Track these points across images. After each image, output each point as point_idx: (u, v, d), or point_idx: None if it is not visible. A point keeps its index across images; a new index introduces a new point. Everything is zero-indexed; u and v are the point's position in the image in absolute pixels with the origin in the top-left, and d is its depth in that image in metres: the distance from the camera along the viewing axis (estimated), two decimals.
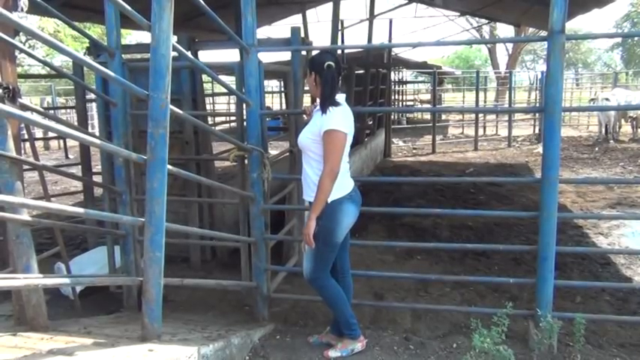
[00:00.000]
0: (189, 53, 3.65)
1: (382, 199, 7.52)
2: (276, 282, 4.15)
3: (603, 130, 14.19)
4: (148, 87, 2.37)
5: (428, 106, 19.70)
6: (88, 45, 5.20)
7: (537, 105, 16.24)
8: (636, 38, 38.48)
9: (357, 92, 9.42)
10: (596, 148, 13.01)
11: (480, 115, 15.65)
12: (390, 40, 12.35)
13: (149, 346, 2.38)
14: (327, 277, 3.04)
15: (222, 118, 15.51)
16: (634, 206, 7.42)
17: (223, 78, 20.54)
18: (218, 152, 6.21)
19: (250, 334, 3.21)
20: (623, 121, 14.77)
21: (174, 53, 2.47)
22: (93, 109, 13.71)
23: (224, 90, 4.96)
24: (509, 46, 31.67)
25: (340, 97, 2.91)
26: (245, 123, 3.62)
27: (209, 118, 10.25)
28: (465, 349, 3.10)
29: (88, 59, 2.38)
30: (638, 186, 8.37)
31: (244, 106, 3.62)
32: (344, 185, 2.91)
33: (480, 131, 15.49)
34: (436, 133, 14.07)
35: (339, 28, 9.61)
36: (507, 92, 16.85)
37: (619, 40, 41.48)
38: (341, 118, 2.82)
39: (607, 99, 13.10)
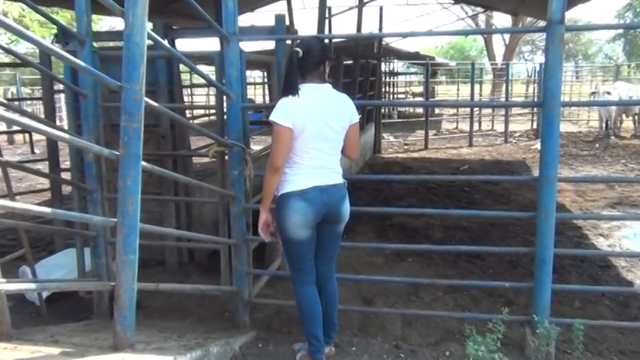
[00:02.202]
0: (165, 42, 3.63)
1: (371, 198, 7.53)
2: (258, 286, 4.15)
3: (604, 125, 14.37)
4: (120, 77, 2.35)
5: (420, 99, 19.81)
6: (56, 32, 5.15)
7: (535, 99, 16.37)
8: (639, 29, 38.99)
9: (345, 84, 9.43)
10: (597, 145, 13.17)
11: (475, 109, 15.77)
12: (380, 29, 12.38)
13: (121, 355, 2.36)
14: (300, 281, 3.08)
15: (201, 112, 15.42)
16: (636, 206, 7.52)
17: (202, 68, 20.47)
18: (196, 148, 6.19)
19: (230, 342, 3.20)
20: (624, 116, 14.94)
21: (150, 41, 2.45)
22: (61, 100, 13.59)
23: (203, 81, 4.93)
24: (507, 36, 31.92)
25: (313, 87, 2.89)
26: (225, 116, 3.61)
27: (187, 111, 10.20)
28: (459, 358, 3.12)
29: (56, 47, 2.36)
30: None
31: (224, 98, 3.61)
32: (295, 181, 2.91)
33: (475, 126, 15.60)
34: (429, 127, 14.12)
35: (327, 15, 9.59)
36: (504, 85, 16.99)
37: (621, 31, 41.92)
38: (282, 109, 2.83)
39: (608, 93, 13.23)
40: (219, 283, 4.03)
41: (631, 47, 42.39)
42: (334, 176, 2.99)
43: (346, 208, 3.04)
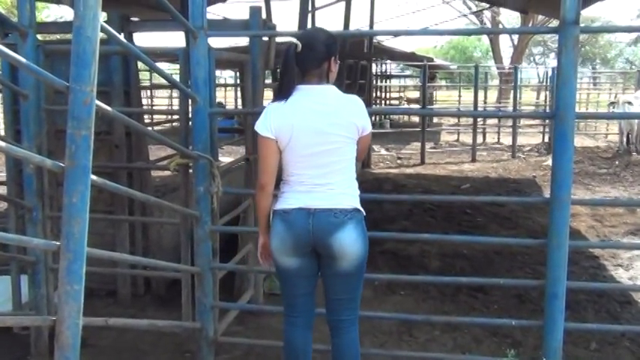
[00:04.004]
0: (121, 36, 3.63)
1: None
2: (225, 322, 4.12)
3: (625, 140, 14.55)
4: (68, 76, 2.34)
5: (416, 106, 19.97)
6: None
7: (547, 108, 16.61)
8: None
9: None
10: (617, 162, 13.35)
11: (479, 119, 15.92)
12: (371, 26, 12.50)
13: None
14: (289, 321, 3.05)
15: (164, 117, 15.39)
16: None
17: (165, 67, 20.46)
18: (156, 159, 6.15)
19: None
20: None
21: (103, 35, 2.45)
22: None
23: (165, 82, 4.93)
24: (515, 36, 32.42)
25: (308, 89, 2.84)
26: (190, 123, 3.60)
27: (146, 117, 10.16)
28: None
29: None
30: None
31: (190, 102, 3.61)
32: (283, 199, 2.91)
33: (479, 139, 15.75)
34: (426, 139, 14.23)
35: (310, 8, 9.67)
36: (512, 92, 17.20)
37: None
38: (264, 117, 2.84)
39: (629, 103, 13.39)
40: (180, 319, 4.00)
41: None
42: (332, 198, 2.83)
43: (344, 239, 2.80)
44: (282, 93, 2.84)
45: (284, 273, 2.96)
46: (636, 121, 13.85)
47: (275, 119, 2.80)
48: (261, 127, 2.82)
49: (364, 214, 2.93)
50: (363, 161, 12.73)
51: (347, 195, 2.87)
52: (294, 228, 2.82)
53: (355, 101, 2.92)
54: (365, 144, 3.01)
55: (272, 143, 2.81)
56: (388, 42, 19.09)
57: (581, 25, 3.05)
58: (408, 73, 31.87)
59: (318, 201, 2.82)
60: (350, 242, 2.82)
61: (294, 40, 2.83)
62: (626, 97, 14.45)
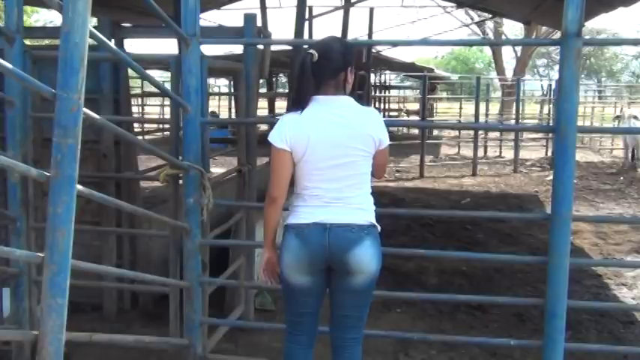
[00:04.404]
0: (112, 42, 3.65)
1: None
2: (214, 339, 4.11)
3: (630, 155, 14.60)
4: (55, 83, 2.35)
5: (416, 118, 20.03)
6: None
7: (551, 122, 16.67)
8: None
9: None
10: (621, 178, 13.40)
11: (480, 132, 15.97)
12: (370, 35, 12.55)
13: None
14: (290, 339, 3.04)
15: (154, 126, 15.40)
16: None
17: (157, 74, 20.49)
18: (145, 169, 6.16)
19: None
20: None
21: (93, 41, 2.46)
22: None
23: (157, 90, 4.94)
24: (518, 47, 32.58)
25: (325, 100, 2.84)
26: (181, 133, 3.61)
27: (136, 125, 10.17)
28: None
29: None
30: None
31: (181, 111, 3.62)
32: (297, 213, 2.89)
33: (480, 152, 15.80)
34: (425, 152, 14.29)
35: (307, 16, 9.71)
36: (514, 104, 17.27)
37: None
38: (278, 128, 2.83)
39: (635, 117, 13.48)
40: (168, 335, 3.98)
41: None
42: (348, 213, 2.84)
43: (361, 256, 2.81)
44: (298, 103, 2.83)
45: (293, 291, 2.94)
46: None
47: (290, 130, 2.79)
48: (276, 138, 2.80)
49: (379, 229, 2.94)
50: None
51: (363, 210, 2.88)
52: (310, 244, 2.80)
53: (373, 113, 2.94)
54: (382, 159, 3.00)
55: (287, 155, 2.80)
56: (387, 52, 19.20)
57: (586, 37, 3.08)
58: (407, 83, 32.00)
59: (334, 216, 2.82)
60: (367, 259, 2.83)
61: (310, 50, 2.83)
62: (632, 111, 14.52)
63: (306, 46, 2.97)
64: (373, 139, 2.84)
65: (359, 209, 2.86)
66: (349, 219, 2.82)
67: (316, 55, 2.80)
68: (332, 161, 2.79)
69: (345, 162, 2.81)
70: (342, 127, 2.79)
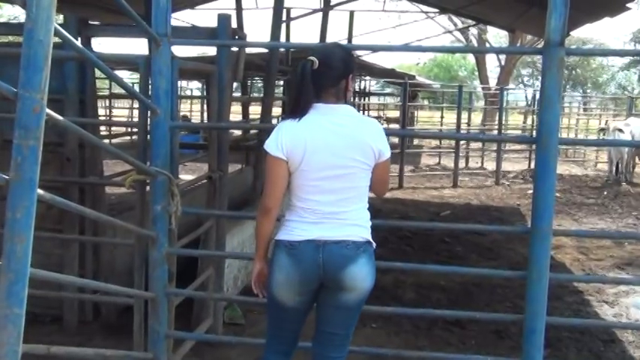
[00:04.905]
0: (78, 40, 3.64)
1: None
2: (180, 353, 4.10)
3: (614, 169, 14.77)
4: (17, 82, 2.34)
5: (396, 126, 20.10)
6: None
7: (534, 132, 16.82)
8: None
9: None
10: (605, 192, 13.59)
11: (462, 142, 16.10)
12: (349, 39, 12.61)
13: None
14: (271, 349, 3.06)
15: (122, 129, 15.29)
16: None
17: (125, 75, 20.34)
18: (111, 174, 6.11)
19: None
20: (638, 158, 15.44)
21: (58, 39, 2.45)
22: None
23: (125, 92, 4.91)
24: (502, 56, 32.94)
25: (324, 108, 2.83)
26: (149, 137, 3.60)
27: (103, 128, 10.10)
28: None
29: None
30: None
31: (149, 114, 3.61)
32: (288, 228, 2.87)
33: (461, 163, 15.95)
34: (405, 162, 14.39)
35: (284, 18, 9.74)
36: (497, 114, 17.44)
37: (638, 57, 43.42)
38: (275, 135, 2.81)
39: (620, 130, 13.63)
40: (131, 348, 3.96)
41: None
42: (345, 229, 2.84)
43: (356, 273, 2.81)
44: (297, 111, 2.81)
45: (279, 309, 2.94)
46: (626, 149, 14.06)
47: (288, 138, 2.78)
48: (272, 146, 2.78)
49: (374, 246, 2.95)
50: None
51: (359, 226, 2.88)
52: (303, 263, 2.79)
53: (374, 123, 2.96)
54: (383, 173, 2.99)
55: (283, 164, 2.78)
56: (368, 57, 19.27)
57: (572, 46, 3.13)
58: (388, 90, 32.15)
59: (328, 232, 2.81)
60: (362, 276, 2.83)
61: (310, 57, 2.82)
62: (617, 124, 14.68)
63: (282, 50, 2.98)
64: (373, 150, 2.83)
65: (354, 225, 2.86)
66: (344, 235, 2.82)
67: (317, 61, 2.79)
68: (329, 172, 2.79)
69: (343, 173, 2.80)
70: (341, 136, 2.79)
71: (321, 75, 2.80)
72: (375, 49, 5.37)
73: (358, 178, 2.85)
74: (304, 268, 2.79)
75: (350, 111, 2.90)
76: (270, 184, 2.83)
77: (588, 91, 48.14)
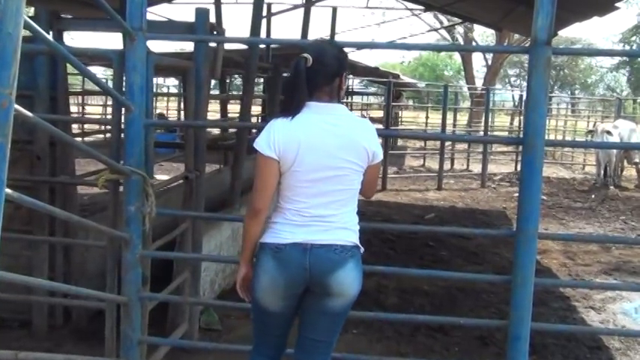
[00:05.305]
0: (50, 34, 3.61)
1: None
2: None
3: (602, 172, 14.85)
4: None
5: (379, 126, 20.15)
6: None
7: (521, 134, 16.92)
8: None
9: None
10: (593, 196, 13.71)
11: (447, 143, 16.17)
12: (332, 36, 12.61)
13: None
14: (256, 351, 3.07)
15: (95, 127, 15.20)
16: (635, 274, 7.84)
17: (99, 71, 20.20)
18: (84, 174, 6.08)
19: None
20: (626, 162, 15.55)
21: (28, 32, 2.44)
22: None
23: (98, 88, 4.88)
24: (489, 55, 33.15)
25: (317, 107, 2.83)
26: (123, 134, 3.59)
27: (75, 126, 10.03)
28: None
29: None
30: None
31: (123, 111, 3.60)
32: (274, 231, 2.87)
33: (446, 165, 16.03)
34: (388, 163, 14.43)
35: (264, 14, 9.73)
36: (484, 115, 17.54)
37: (627, 58, 43.79)
38: (266, 134, 2.80)
39: (608, 132, 13.72)
40: (103, 354, 3.94)
41: (637, 78, 44.56)
42: (333, 233, 2.84)
43: (343, 278, 2.81)
44: (290, 109, 2.81)
45: (263, 314, 2.94)
46: (615, 152, 14.13)
47: (280, 137, 2.76)
48: (263, 144, 2.77)
49: (362, 250, 2.96)
50: None
51: (347, 230, 2.87)
52: (289, 267, 2.79)
53: (367, 124, 2.96)
54: (373, 175, 3.02)
55: (274, 164, 2.78)
56: (351, 55, 19.31)
57: (561, 46, 3.17)
58: (372, 89, 32.24)
59: (315, 235, 2.81)
60: (349, 282, 2.84)
61: (304, 54, 2.82)
62: (606, 126, 14.76)
63: (262, 46, 2.98)
64: (367, 151, 2.84)
65: (343, 228, 2.86)
66: (332, 239, 2.82)
67: (310, 59, 2.79)
68: (321, 173, 2.78)
69: (335, 175, 2.80)
70: (335, 136, 2.79)
71: (315, 73, 2.81)
72: (358, 46, 5.37)
73: (350, 180, 2.85)
74: (290, 272, 2.79)
75: (344, 110, 2.92)
76: (261, 185, 2.82)
77: (576, 92, 48.63)
